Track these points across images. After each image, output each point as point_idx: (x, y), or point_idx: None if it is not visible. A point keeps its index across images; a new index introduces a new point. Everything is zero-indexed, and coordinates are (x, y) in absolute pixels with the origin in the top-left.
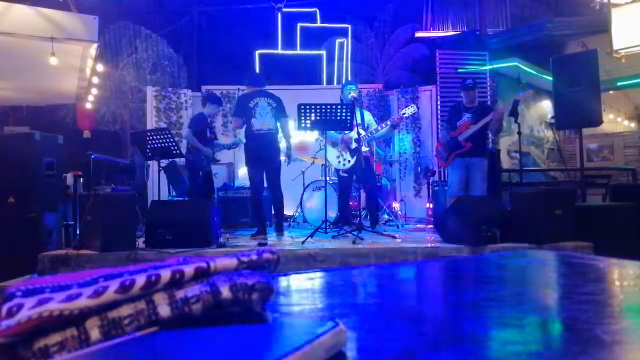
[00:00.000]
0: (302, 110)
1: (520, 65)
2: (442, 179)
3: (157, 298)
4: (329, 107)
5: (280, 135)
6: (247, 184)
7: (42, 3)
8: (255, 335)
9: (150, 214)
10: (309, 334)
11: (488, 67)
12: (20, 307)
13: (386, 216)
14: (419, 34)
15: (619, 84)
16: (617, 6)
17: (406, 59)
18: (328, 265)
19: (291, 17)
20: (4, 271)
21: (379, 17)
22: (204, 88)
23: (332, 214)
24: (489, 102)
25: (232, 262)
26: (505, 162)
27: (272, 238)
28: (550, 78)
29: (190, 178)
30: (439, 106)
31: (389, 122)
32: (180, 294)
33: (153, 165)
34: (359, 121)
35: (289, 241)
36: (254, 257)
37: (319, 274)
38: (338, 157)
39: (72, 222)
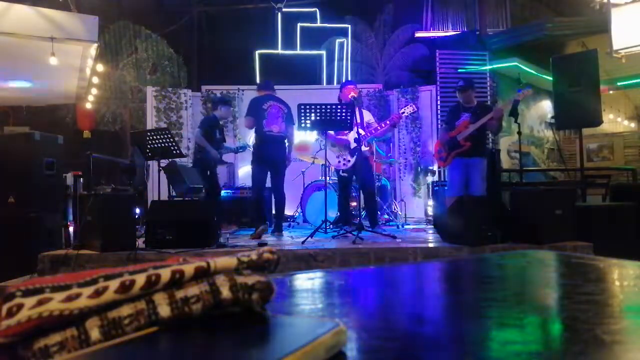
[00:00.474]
0: (302, 110)
1: (520, 65)
2: (442, 179)
3: (157, 298)
4: (329, 107)
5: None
6: (247, 184)
7: (42, 3)
8: (256, 335)
9: (150, 214)
10: (309, 334)
11: (488, 67)
12: (20, 307)
13: (386, 216)
14: (419, 34)
15: (619, 84)
16: (617, 6)
17: (406, 59)
18: (328, 265)
19: (291, 17)
20: (4, 271)
21: (379, 17)
22: (204, 88)
23: (332, 214)
24: (489, 102)
25: (232, 262)
26: (505, 162)
27: (272, 238)
28: (550, 78)
29: (202, 178)
30: (439, 106)
31: (388, 121)
32: (180, 294)
33: (153, 165)
34: (358, 121)
35: (289, 241)
36: (254, 257)
37: (319, 274)
38: (338, 157)
39: (72, 222)
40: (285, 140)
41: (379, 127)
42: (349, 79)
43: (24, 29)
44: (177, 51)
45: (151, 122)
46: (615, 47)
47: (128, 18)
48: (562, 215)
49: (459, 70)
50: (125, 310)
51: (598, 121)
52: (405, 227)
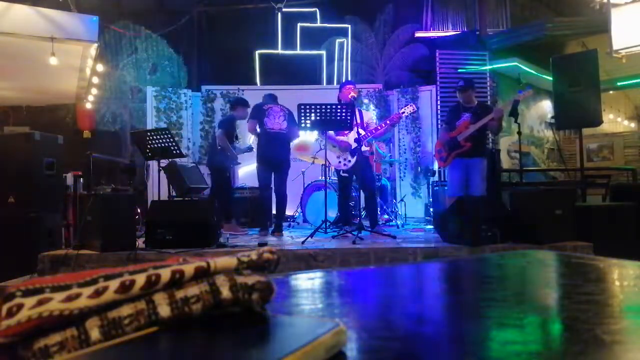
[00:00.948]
0: (302, 110)
1: (520, 65)
2: (442, 179)
3: (157, 298)
4: (329, 107)
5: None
6: (248, 184)
7: (42, 3)
8: (256, 335)
9: (150, 214)
10: (309, 334)
11: (488, 67)
12: (20, 307)
13: (386, 216)
14: (419, 34)
15: (619, 84)
16: (617, 6)
17: (406, 59)
18: (328, 265)
19: (291, 17)
20: (4, 271)
21: (379, 17)
22: (204, 88)
23: (332, 214)
24: (489, 102)
25: (232, 262)
26: (505, 162)
27: (272, 238)
28: (550, 78)
29: (216, 178)
30: (439, 106)
31: (388, 122)
32: (180, 294)
33: (153, 165)
34: (358, 121)
35: (289, 241)
36: (254, 257)
37: (319, 274)
38: (338, 157)
39: (72, 222)
40: (290, 141)
41: (379, 127)
42: (349, 79)
43: (24, 29)
44: (177, 51)
45: (151, 122)
46: (615, 47)
47: (128, 18)
48: (562, 215)
49: (459, 70)
50: (125, 310)
51: (598, 121)
52: (405, 227)
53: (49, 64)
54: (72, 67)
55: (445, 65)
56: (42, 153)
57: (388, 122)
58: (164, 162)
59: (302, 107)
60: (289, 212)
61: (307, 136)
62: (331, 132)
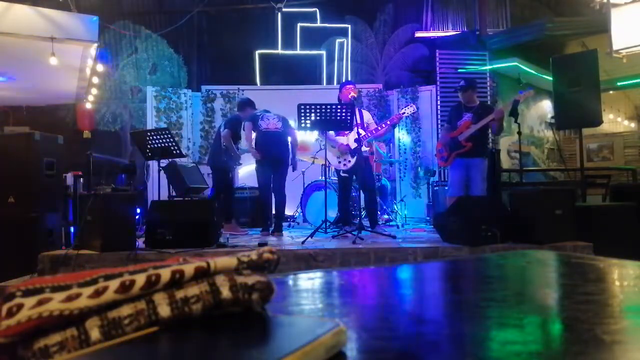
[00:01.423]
0: (302, 110)
1: (520, 65)
2: (442, 179)
3: (157, 298)
4: (329, 107)
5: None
6: (247, 184)
7: (42, 3)
8: (256, 335)
9: (150, 214)
10: (309, 334)
11: (488, 67)
12: (20, 307)
13: (386, 216)
14: (419, 34)
15: (619, 84)
16: (617, 6)
17: (406, 59)
18: (328, 265)
19: (291, 17)
20: (4, 271)
21: (379, 17)
22: (204, 88)
23: (332, 214)
24: (489, 102)
25: (232, 262)
26: (505, 162)
27: (272, 238)
28: (550, 78)
29: (218, 178)
30: (439, 106)
31: (388, 122)
32: (180, 294)
33: (153, 165)
34: (358, 121)
35: (289, 241)
36: (254, 257)
37: (319, 274)
38: (338, 157)
39: (72, 222)
40: (289, 140)
41: (379, 128)
42: (349, 79)
43: (24, 29)
44: (177, 51)
45: (151, 122)
46: (615, 47)
47: (128, 18)
48: (562, 215)
49: (459, 70)
50: (125, 310)
51: (598, 121)
52: (406, 227)
53: (49, 64)
54: (72, 67)
55: (445, 65)
56: (42, 153)
57: (388, 122)
58: (164, 162)
59: (302, 107)
60: (289, 212)
61: (307, 136)
62: (331, 133)
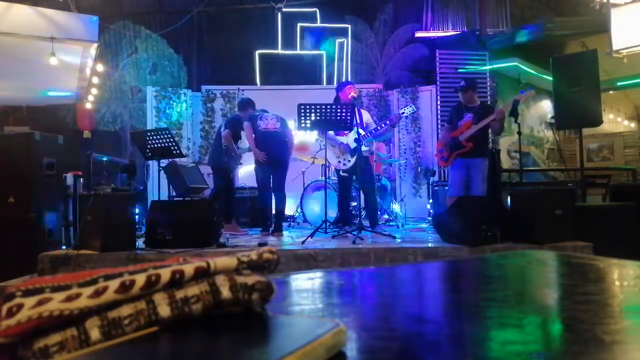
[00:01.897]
0: (302, 111)
1: (520, 65)
2: (442, 179)
3: (157, 298)
4: (329, 107)
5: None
6: (247, 184)
7: (42, 3)
8: (256, 335)
9: (150, 214)
10: (309, 334)
11: (488, 67)
12: (20, 307)
13: (386, 216)
14: (419, 34)
15: (619, 84)
16: (617, 6)
17: (406, 59)
18: (328, 265)
19: (291, 17)
20: (4, 271)
21: (379, 17)
22: (204, 88)
23: (332, 214)
24: (489, 102)
25: (232, 262)
26: (505, 162)
27: (272, 238)
28: (550, 78)
29: (219, 178)
30: (439, 106)
31: (388, 122)
32: (180, 294)
33: (153, 165)
34: (358, 121)
35: (289, 241)
36: (254, 257)
37: (319, 274)
38: (338, 157)
39: (72, 222)
40: (286, 140)
41: (378, 128)
42: (349, 79)
43: (24, 29)
44: (177, 51)
45: (151, 122)
46: (615, 47)
47: (128, 18)
48: (562, 215)
49: (459, 70)
50: (125, 310)
51: (598, 121)
52: (406, 227)
53: (49, 64)
54: (72, 67)
55: (445, 65)
56: (42, 153)
57: (388, 122)
58: (164, 162)
59: (302, 107)
60: (289, 212)
61: (307, 136)
62: (331, 132)
